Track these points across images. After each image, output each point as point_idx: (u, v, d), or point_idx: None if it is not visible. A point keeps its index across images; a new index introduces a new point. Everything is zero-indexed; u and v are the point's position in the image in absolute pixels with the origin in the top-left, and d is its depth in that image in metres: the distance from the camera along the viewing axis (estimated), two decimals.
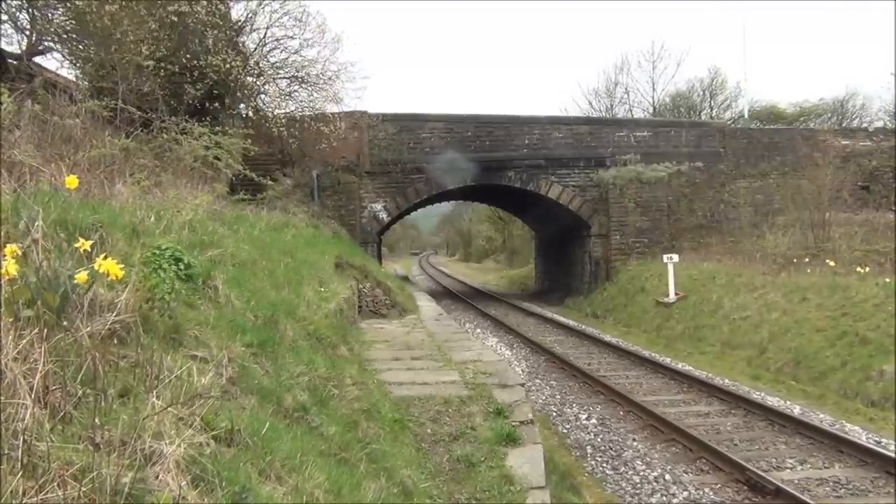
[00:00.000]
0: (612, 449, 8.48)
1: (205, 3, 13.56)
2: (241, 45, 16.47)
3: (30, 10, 11.22)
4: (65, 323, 2.38)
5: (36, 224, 2.87)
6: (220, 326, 3.86)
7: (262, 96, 17.00)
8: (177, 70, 13.31)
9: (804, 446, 8.27)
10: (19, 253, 2.21)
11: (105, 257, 2.38)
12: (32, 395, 1.99)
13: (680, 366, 12.93)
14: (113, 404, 2.23)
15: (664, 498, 6.97)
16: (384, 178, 21.96)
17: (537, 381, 12.31)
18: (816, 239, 17.62)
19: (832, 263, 14.84)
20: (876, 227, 18.31)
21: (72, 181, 3.03)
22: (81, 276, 2.36)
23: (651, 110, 41.18)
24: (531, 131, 22.86)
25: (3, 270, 2.12)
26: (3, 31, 10.83)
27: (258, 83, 16.65)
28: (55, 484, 1.78)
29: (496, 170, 22.54)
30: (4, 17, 10.80)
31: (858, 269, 14.06)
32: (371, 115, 21.69)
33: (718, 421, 9.42)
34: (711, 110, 40.21)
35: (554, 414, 10.19)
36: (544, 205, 24.14)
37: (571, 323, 19.46)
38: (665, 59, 60.76)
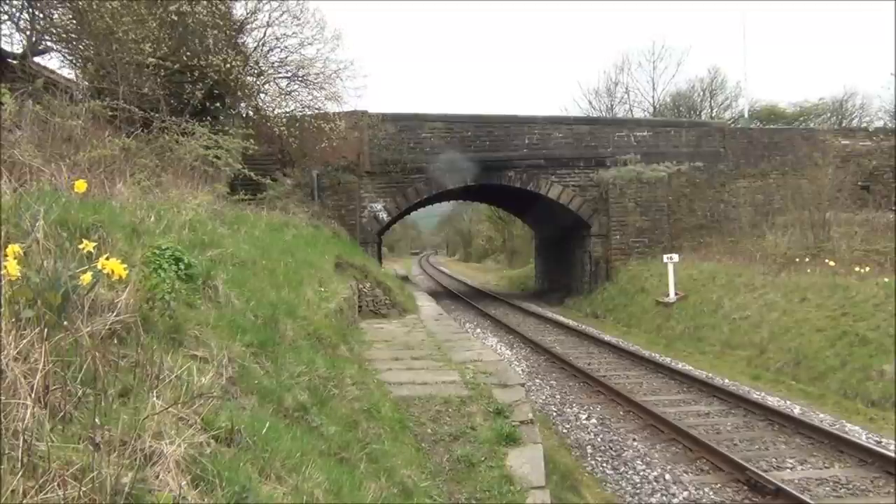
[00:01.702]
0: (612, 449, 8.48)
1: (205, 2, 13.56)
2: (241, 44, 16.47)
3: (30, 10, 11.21)
4: (65, 323, 2.38)
5: (37, 224, 2.88)
6: (221, 326, 3.86)
7: (262, 96, 17.01)
8: (177, 69, 13.31)
9: (804, 446, 8.28)
10: (21, 253, 2.22)
11: (106, 257, 2.38)
12: (32, 395, 1.99)
13: (680, 366, 12.93)
14: (113, 404, 2.24)
15: (664, 498, 6.97)
16: (384, 178, 21.94)
17: (537, 380, 12.31)
18: (816, 239, 17.60)
19: (832, 263, 14.84)
20: (876, 227, 18.29)
21: (80, 185, 3.02)
22: (86, 276, 2.37)
23: (651, 110, 41.21)
24: (531, 131, 22.84)
25: (4, 270, 2.12)
26: (3, 31, 10.83)
27: (258, 83, 16.65)
28: (55, 484, 1.78)
29: (496, 170, 22.53)
30: (4, 17, 10.80)
31: (858, 269, 14.06)
32: (371, 115, 21.65)
33: (718, 421, 9.43)
34: (711, 110, 40.25)
35: (554, 414, 10.19)
36: (544, 205, 24.13)
37: (571, 323, 19.46)
38: (665, 59, 61.08)
